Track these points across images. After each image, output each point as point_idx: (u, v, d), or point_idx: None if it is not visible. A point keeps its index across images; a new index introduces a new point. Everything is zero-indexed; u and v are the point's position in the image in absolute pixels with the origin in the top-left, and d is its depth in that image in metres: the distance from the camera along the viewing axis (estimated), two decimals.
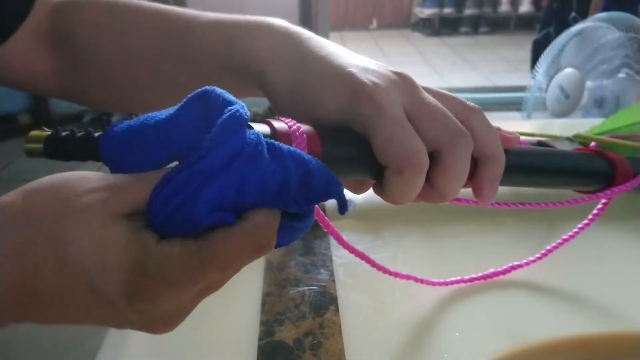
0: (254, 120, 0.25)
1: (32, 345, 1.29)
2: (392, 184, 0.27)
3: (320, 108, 0.29)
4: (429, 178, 0.28)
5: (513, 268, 0.41)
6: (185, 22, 0.39)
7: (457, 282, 0.40)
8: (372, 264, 0.37)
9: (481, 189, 0.30)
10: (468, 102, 0.30)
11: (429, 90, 0.30)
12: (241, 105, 0.23)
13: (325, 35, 2.92)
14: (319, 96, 0.29)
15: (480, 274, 0.40)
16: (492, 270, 0.40)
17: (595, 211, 0.42)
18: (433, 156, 0.28)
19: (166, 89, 0.41)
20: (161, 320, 0.24)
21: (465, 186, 0.30)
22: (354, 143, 0.28)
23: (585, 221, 0.42)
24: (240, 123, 0.22)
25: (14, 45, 0.42)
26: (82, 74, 0.44)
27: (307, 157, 0.24)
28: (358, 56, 0.31)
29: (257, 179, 0.22)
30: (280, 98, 0.32)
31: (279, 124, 0.26)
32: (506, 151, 0.30)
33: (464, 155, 0.28)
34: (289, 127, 0.25)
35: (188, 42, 0.38)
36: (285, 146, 0.23)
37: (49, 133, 0.55)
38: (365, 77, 0.28)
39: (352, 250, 0.35)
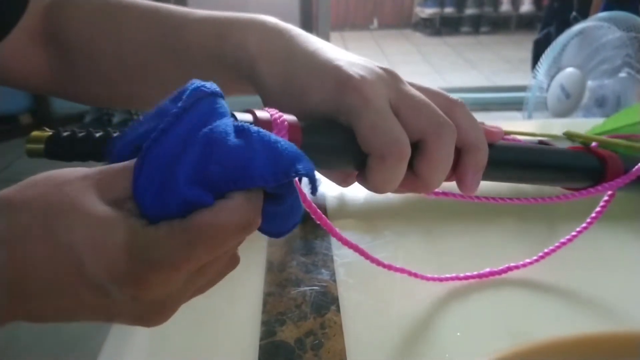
0: None
1: (34, 346, 1.30)
2: (374, 171, 0.28)
3: (308, 100, 0.30)
4: (413, 167, 0.29)
5: (510, 269, 0.41)
6: (179, 19, 0.39)
7: (452, 279, 0.40)
8: (363, 253, 0.36)
9: (464, 178, 0.30)
10: (451, 96, 0.30)
11: (413, 85, 0.31)
12: (210, 84, 0.24)
13: (325, 35, 2.93)
14: (306, 88, 0.30)
15: (475, 273, 0.40)
16: (488, 269, 0.40)
17: (593, 214, 0.42)
18: (418, 146, 0.28)
19: (161, 84, 0.42)
20: (152, 309, 0.24)
21: (448, 179, 0.30)
22: (337, 133, 0.29)
23: (584, 224, 0.42)
24: (205, 93, 0.24)
25: (9, 45, 0.42)
26: (77, 71, 0.44)
27: (274, 137, 0.24)
28: (344, 52, 0.32)
29: (224, 154, 0.23)
30: (270, 91, 0.33)
31: (261, 113, 0.26)
32: (491, 146, 0.31)
33: (448, 144, 0.28)
34: (271, 115, 0.26)
35: (181, 37, 0.39)
36: (254, 128, 0.24)
37: (50, 133, 0.55)
38: (352, 70, 0.29)
39: (345, 242, 0.34)
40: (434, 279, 0.39)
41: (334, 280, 0.40)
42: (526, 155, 0.35)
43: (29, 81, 0.45)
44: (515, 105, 2.83)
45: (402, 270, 0.39)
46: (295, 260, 0.42)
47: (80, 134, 0.51)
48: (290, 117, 0.27)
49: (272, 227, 0.26)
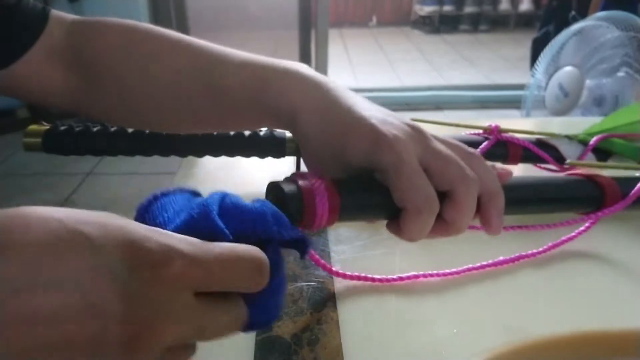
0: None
1: None
2: (410, 223, 0.31)
3: (345, 154, 0.33)
4: (443, 215, 0.32)
5: (521, 257, 0.42)
6: (215, 59, 0.41)
7: (469, 269, 0.40)
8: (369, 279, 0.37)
9: (490, 222, 0.34)
10: (468, 148, 0.34)
11: (436, 138, 0.34)
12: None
13: (324, 32, 2.92)
14: (344, 144, 0.33)
15: (490, 262, 0.41)
16: (501, 258, 0.41)
17: (582, 228, 0.43)
18: (446, 195, 0.32)
19: (194, 116, 0.44)
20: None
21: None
22: (373, 190, 0.32)
23: (572, 234, 0.43)
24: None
25: (27, 63, 0.43)
26: (99, 95, 0.44)
27: (251, 206, 0.27)
28: (376, 107, 0.35)
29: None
30: (310, 142, 0.36)
31: (303, 182, 0.30)
32: (503, 185, 0.34)
33: (472, 193, 0.32)
34: (312, 184, 0.30)
35: (218, 78, 0.40)
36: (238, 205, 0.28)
37: (48, 127, 0.55)
38: (386, 129, 0.32)
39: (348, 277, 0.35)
40: (445, 274, 0.40)
41: (331, 277, 0.40)
42: (534, 191, 0.38)
43: (47, 98, 0.45)
44: (514, 104, 2.83)
45: (415, 277, 0.40)
46: (292, 256, 0.42)
47: (78, 128, 0.51)
48: (327, 182, 0.31)
49: (260, 314, 0.27)
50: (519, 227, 0.42)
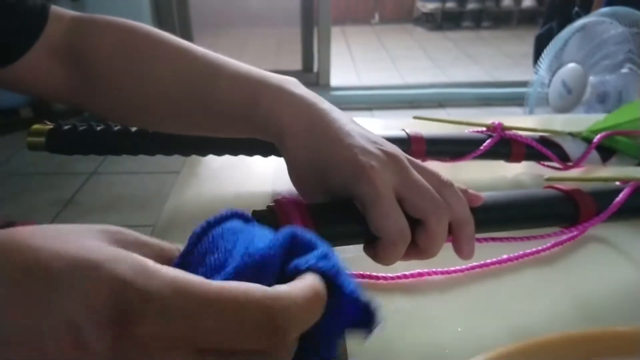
0: None
1: None
2: (385, 252, 0.34)
3: (328, 179, 0.36)
4: (416, 240, 0.34)
5: (526, 255, 0.42)
6: (211, 70, 0.42)
7: (473, 267, 0.40)
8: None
9: (461, 249, 0.36)
10: (442, 176, 0.36)
11: (412, 162, 0.36)
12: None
13: (326, 29, 2.92)
14: (328, 170, 0.36)
15: (494, 259, 0.42)
16: (505, 256, 0.41)
17: (557, 241, 0.43)
18: (419, 222, 0.34)
19: (183, 124, 0.45)
20: None
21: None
22: (349, 219, 0.34)
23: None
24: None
25: (28, 61, 0.43)
26: (96, 93, 0.45)
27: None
28: (360, 131, 0.37)
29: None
30: (296, 163, 0.38)
31: (281, 213, 0.32)
32: (475, 208, 0.36)
33: (444, 221, 0.34)
34: (289, 215, 0.32)
35: (212, 90, 0.41)
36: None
37: (51, 126, 0.55)
38: (365, 160, 0.34)
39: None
40: (449, 272, 0.40)
41: None
42: (505, 211, 0.40)
43: (47, 94, 0.46)
44: (517, 101, 2.82)
45: (419, 275, 0.40)
46: None
47: (81, 127, 0.51)
48: (304, 213, 0.33)
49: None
50: (507, 238, 0.42)
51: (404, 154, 0.36)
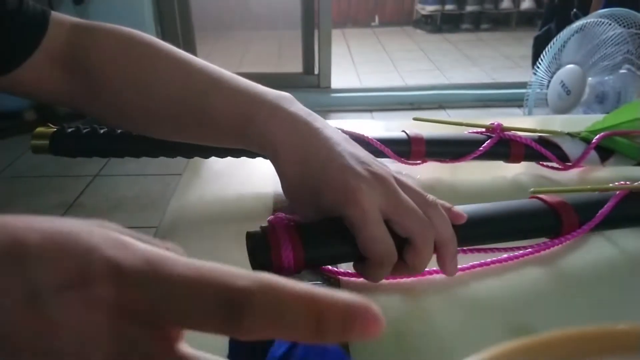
0: None
1: None
2: (373, 271, 0.36)
3: (320, 199, 0.37)
4: (403, 258, 0.36)
5: (531, 253, 0.43)
6: (208, 84, 0.43)
7: (480, 265, 0.40)
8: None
9: (445, 266, 0.37)
10: (427, 196, 0.37)
11: (399, 182, 0.37)
12: None
13: (327, 32, 2.93)
14: (319, 189, 0.37)
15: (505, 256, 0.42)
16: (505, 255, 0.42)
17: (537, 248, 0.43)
18: (406, 241, 0.36)
19: (180, 134, 0.46)
20: None
21: None
22: (339, 240, 0.36)
23: (529, 249, 0.43)
24: None
25: (28, 68, 0.44)
26: (96, 100, 0.46)
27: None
28: (351, 149, 0.38)
29: None
30: (289, 181, 0.40)
31: (272, 236, 0.35)
32: (459, 225, 0.37)
33: (430, 241, 0.36)
34: (279, 238, 0.34)
35: (208, 104, 0.42)
36: None
37: (55, 129, 0.56)
38: (355, 183, 0.35)
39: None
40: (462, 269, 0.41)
41: (337, 276, 0.40)
42: (489, 226, 0.41)
43: (48, 98, 0.47)
44: (516, 102, 2.83)
45: (420, 274, 0.40)
46: None
47: (85, 130, 0.51)
48: (294, 236, 0.35)
49: None
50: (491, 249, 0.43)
51: (391, 173, 0.38)
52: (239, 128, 0.41)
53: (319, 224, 0.37)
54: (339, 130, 0.42)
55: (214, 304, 0.18)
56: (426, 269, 0.40)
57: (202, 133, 0.44)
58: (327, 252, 0.37)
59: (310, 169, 0.38)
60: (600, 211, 0.42)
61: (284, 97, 0.42)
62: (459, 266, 0.41)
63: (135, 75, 0.44)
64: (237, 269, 0.18)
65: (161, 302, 0.18)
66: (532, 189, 0.44)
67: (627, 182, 0.45)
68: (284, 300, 0.18)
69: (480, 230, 0.40)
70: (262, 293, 0.18)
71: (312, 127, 0.40)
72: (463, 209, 0.39)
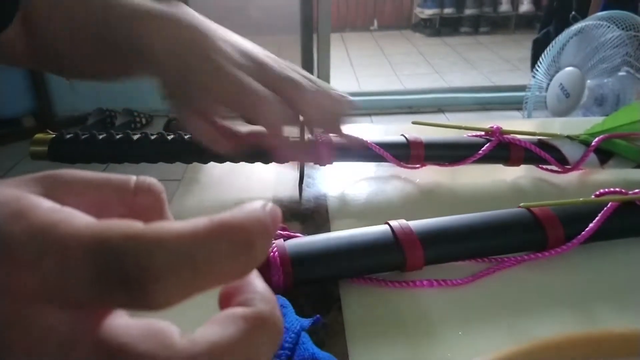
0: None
1: None
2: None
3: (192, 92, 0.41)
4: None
5: (535, 256, 0.43)
6: (114, 8, 0.42)
7: (483, 274, 0.40)
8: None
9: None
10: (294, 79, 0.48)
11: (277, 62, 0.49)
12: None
13: (326, 36, 2.93)
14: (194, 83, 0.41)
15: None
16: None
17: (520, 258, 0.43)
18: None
19: (96, 60, 0.45)
20: None
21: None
22: (323, 261, 0.39)
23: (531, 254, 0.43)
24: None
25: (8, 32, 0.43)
26: (42, 45, 0.45)
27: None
28: (229, 48, 0.44)
29: None
30: (166, 74, 0.42)
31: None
32: (445, 238, 0.40)
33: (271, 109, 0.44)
34: (270, 259, 0.37)
35: (107, 26, 0.42)
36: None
37: (53, 136, 0.55)
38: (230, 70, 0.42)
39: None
40: (457, 284, 0.40)
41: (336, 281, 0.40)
42: (474, 238, 0.41)
43: (16, 59, 0.46)
44: (515, 105, 2.83)
45: (430, 283, 0.40)
46: None
47: (84, 136, 0.51)
48: (285, 259, 0.37)
49: None
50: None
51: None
52: (122, 37, 0.41)
53: (308, 242, 0.39)
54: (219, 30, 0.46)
55: (110, 274, 0.15)
56: (425, 280, 0.40)
57: (105, 61, 0.44)
58: (319, 272, 0.38)
59: (186, 64, 0.41)
60: (589, 226, 0.42)
61: (179, 7, 0.43)
62: (465, 277, 0.40)
63: (65, 9, 0.43)
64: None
65: (52, 278, 0.15)
66: (522, 204, 0.44)
67: (622, 190, 0.45)
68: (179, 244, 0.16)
69: (466, 244, 0.41)
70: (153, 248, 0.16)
71: (187, 24, 0.42)
72: (445, 220, 0.41)
